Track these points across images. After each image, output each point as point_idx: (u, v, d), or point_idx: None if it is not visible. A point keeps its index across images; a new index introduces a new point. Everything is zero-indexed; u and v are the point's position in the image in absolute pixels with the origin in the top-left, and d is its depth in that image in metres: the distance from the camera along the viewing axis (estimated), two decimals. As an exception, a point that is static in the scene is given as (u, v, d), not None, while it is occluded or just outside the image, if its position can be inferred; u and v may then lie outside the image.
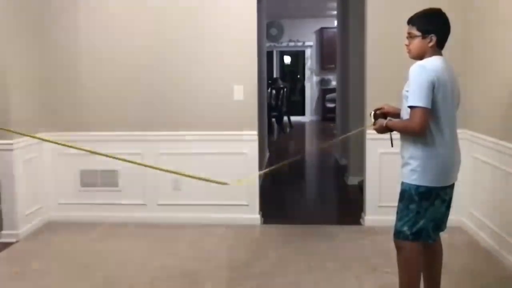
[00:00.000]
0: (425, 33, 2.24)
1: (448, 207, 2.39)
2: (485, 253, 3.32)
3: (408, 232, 2.29)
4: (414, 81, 2.18)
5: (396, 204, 3.91)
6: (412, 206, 2.28)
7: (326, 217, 4.51)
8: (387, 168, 3.89)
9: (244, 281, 2.98)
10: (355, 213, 4.19)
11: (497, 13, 3.27)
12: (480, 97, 3.51)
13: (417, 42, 2.27)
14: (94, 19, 4.03)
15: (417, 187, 2.26)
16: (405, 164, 2.34)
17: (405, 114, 2.31)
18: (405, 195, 2.32)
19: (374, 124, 2.50)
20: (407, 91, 2.30)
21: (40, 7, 4.01)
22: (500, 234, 3.19)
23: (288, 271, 3.11)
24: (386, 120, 2.39)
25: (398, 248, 2.37)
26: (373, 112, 2.54)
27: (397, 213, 2.37)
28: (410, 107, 2.19)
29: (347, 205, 4.82)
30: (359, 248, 3.50)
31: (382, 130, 2.42)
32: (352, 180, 5.35)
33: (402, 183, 2.35)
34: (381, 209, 3.90)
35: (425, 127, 2.18)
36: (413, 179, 2.28)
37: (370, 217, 3.94)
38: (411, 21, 2.31)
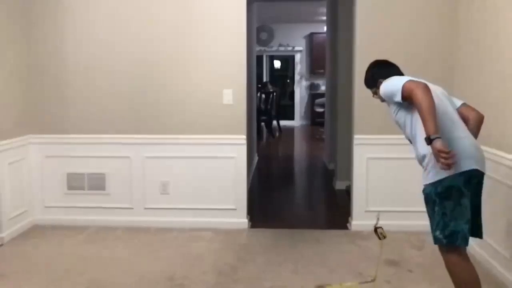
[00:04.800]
0: (376, 85, 2.53)
1: (472, 209, 2.26)
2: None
3: (441, 236, 2.22)
4: (386, 88, 2.38)
5: (383, 208, 3.98)
6: (437, 209, 2.23)
7: (314, 221, 4.52)
8: (374, 173, 3.93)
9: (231, 285, 2.98)
10: (342, 218, 4.21)
11: (485, 20, 3.32)
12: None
13: (380, 92, 2.50)
14: (82, 22, 4.01)
15: (435, 187, 2.21)
16: (423, 168, 2.33)
17: (415, 130, 2.30)
18: (428, 199, 2.28)
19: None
20: (395, 112, 2.39)
21: (27, 10, 3.98)
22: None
23: (275, 275, 3.11)
24: (429, 140, 2.13)
25: (442, 256, 2.30)
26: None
27: (429, 220, 2.32)
28: (402, 94, 2.25)
29: (335, 210, 4.85)
30: (345, 252, 3.52)
31: (437, 143, 2.10)
32: (340, 185, 5.38)
33: (423, 189, 2.31)
34: (368, 214, 3.92)
35: (424, 84, 2.20)
36: (429, 178, 2.25)
37: (357, 222, 3.97)
38: (366, 86, 2.69)
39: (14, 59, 3.90)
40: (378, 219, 2.86)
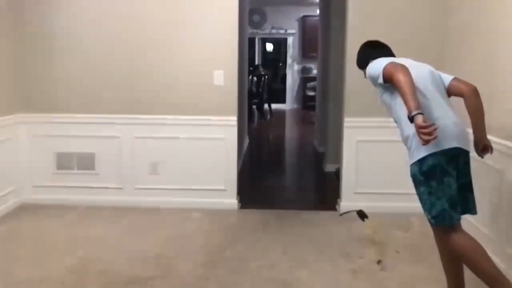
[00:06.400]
0: (366, 66, 2.50)
1: (463, 187, 2.28)
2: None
3: (429, 217, 2.23)
4: (369, 71, 2.42)
5: (371, 191, 4.03)
6: (422, 189, 2.23)
7: (303, 203, 4.56)
8: (364, 155, 3.95)
9: (220, 264, 3.01)
10: (332, 199, 4.25)
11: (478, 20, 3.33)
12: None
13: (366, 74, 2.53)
14: (72, 2, 3.94)
15: (420, 165, 2.21)
16: (407, 150, 2.33)
17: (399, 111, 2.30)
18: (415, 180, 2.28)
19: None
20: (381, 94, 2.39)
21: (15, -15, 3.91)
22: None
23: (264, 255, 3.14)
24: (412, 118, 2.10)
25: (442, 239, 2.29)
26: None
27: (420, 203, 2.30)
28: (383, 76, 2.26)
29: (324, 192, 4.89)
30: (334, 233, 3.55)
31: (418, 119, 2.07)
32: (330, 167, 5.42)
33: (410, 170, 2.30)
34: (356, 196, 3.97)
35: (404, 66, 2.19)
36: (413, 157, 2.26)
37: (346, 203, 4.00)
38: (358, 66, 2.68)
39: (2, 38, 3.82)
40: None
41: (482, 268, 2.15)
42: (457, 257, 2.30)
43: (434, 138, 2.03)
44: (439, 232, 2.30)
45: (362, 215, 3.33)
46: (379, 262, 3.03)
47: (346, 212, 3.32)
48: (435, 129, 2.03)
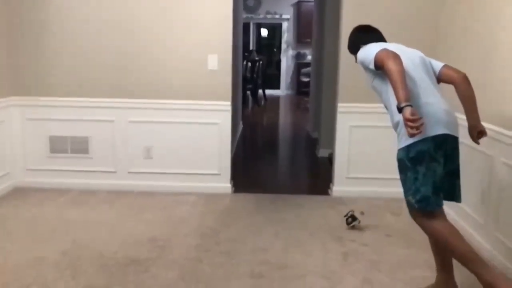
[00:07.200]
0: (358, 51, 2.50)
1: (450, 174, 2.29)
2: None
3: (413, 200, 2.24)
4: (361, 56, 2.41)
5: (363, 176, 4.07)
6: (409, 174, 2.23)
7: (296, 187, 4.60)
8: (356, 140, 3.99)
9: (213, 247, 3.04)
10: (324, 184, 4.29)
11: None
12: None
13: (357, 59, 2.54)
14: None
15: (407, 151, 2.22)
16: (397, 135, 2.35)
17: (389, 97, 2.29)
18: (401, 165, 2.29)
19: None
20: (372, 79, 2.40)
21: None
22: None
23: (256, 238, 3.18)
24: (400, 109, 2.09)
25: (419, 225, 2.28)
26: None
27: (402, 186, 2.31)
28: (375, 63, 2.25)
29: (317, 176, 4.93)
30: (326, 217, 3.60)
31: (406, 112, 2.05)
32: (323, 153, 5.45)
33: (397, 154, 2.31)
34: (348, 180, 4.01)
35: (396, 55, 2.17)
36: (401, 143, 2.26)
37: (338, 188, 4.05)
38: (349, 51, 2.68)
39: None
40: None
41: (459, 250, 2.19)
42: (435, 240, 2.34)
43: (420, 132, 2.05)
44: (416, 215, 2.28)
45: (353, 218, 3.34)
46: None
47: (346, 215, 3.40)
48: (422, 124, 2.04)
